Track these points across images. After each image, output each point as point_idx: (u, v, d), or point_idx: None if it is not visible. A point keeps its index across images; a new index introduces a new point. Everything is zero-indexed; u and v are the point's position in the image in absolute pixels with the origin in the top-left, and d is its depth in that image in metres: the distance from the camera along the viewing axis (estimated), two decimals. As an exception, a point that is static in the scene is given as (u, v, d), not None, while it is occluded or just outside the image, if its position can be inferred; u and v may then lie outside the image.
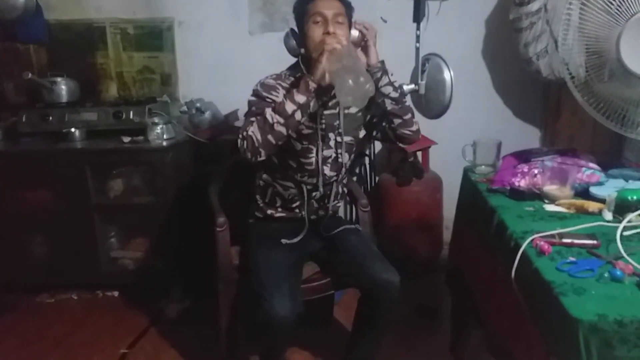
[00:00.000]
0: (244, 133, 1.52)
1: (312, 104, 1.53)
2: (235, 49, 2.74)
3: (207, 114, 2.53)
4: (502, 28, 2.56)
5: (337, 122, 1.68)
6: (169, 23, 2.77)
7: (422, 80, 1.84)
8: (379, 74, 1.60)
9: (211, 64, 2.76)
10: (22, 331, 2.27)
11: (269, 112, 1.51)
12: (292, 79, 1.64)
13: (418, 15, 1.81)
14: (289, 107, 1.49)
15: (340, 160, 1.73)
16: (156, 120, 2.42)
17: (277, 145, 1.54)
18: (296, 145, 1.67)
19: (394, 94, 1.62)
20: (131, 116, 2.46)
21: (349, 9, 1.59)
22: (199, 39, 2.77)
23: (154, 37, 2.79)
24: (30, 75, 2.46)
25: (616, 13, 1.38)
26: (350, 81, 1.39)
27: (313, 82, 1.48)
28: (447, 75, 1.82)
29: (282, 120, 1.50)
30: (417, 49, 1.84)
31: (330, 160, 1.72)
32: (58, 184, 2.42)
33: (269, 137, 1.50)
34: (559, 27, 1.54)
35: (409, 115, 1.67)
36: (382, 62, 1.62)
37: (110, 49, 2.82)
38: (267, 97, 1.59)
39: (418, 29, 1.83)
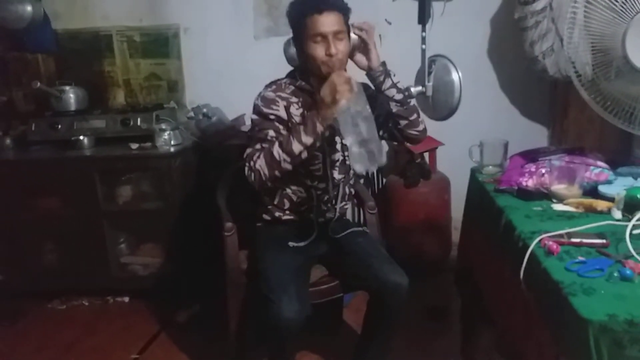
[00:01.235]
0: (252, 164, 1.53)
1: (318, 143, 1.53)
2: (241, 54, 2.76)
3: (214, 120, 2.54)
4: (507, 27, 2.55)
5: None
6: (175, 30, 2.79)
7: (429, 82, 1.82)
8: (381, 78, 1.59)
9: (217, 70, 2.78)
10: (34, 337, 2.29)
11: (276, 148, 1.51)
12: (292, 87, 1.64)
13: (423, 16, 1.80)
14: (296, 147, 1.49)
15: (347, 162, 1.73)
16: (163, 126, 2.44)
17: (284, 175, 1.56)
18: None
19: (398, 96, 1.61)
20: (139, 123, 2.49)
21: (346, 16, 1.55)
22: (205, 45, 2.78)
23: (160, 44, 2.81)
24: (38, 84, 2.49)
25: (621, 10, 1.37)
26: (357, 148, 1.41)
27: (321, 125, 1.47)
28: (455, 76, 1.79)
29: (288, 159, 1.51)
30: (423, 50, 1.82)
31: (338, 163, 1.72)
32: (67, 191, 2.44)
33: (276, 172, 1.53)
34: (565, 26, 1.54)
35: (414, 116, 1.66)
36: (384, 63, 1.60)
37: (117, 57, 2.85)
38: (270, 114, 1.59)
39: (423, 30, 1.81)
